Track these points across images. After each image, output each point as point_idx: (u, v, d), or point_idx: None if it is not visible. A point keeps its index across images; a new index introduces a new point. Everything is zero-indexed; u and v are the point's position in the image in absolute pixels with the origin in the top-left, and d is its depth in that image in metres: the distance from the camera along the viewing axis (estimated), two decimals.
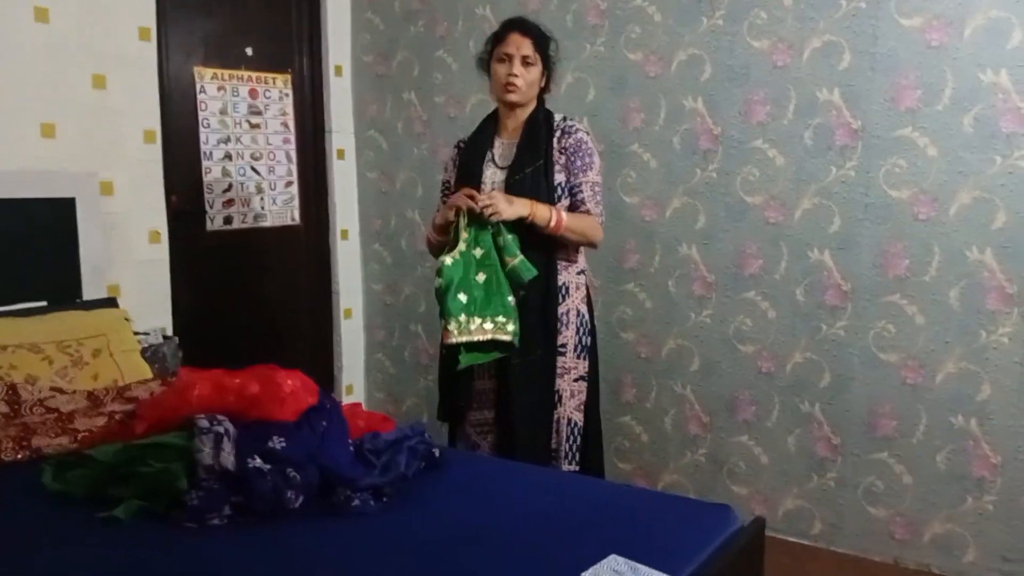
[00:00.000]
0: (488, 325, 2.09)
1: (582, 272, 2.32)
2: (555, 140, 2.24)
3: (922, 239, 2.52)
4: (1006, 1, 2.35)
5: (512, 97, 2.24)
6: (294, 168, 3.67)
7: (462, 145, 2.39)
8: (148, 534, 1.50)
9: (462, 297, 2.09)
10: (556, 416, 2.23)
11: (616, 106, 3.04)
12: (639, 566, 1.31)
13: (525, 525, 1.52)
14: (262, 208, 3.56)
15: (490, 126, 2.35)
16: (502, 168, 2.26)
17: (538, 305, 2.18)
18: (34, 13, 2.63)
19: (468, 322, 2.09)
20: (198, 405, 1.66)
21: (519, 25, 2.26)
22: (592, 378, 2.31)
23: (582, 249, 2.33)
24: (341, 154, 3.78)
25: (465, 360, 2.11)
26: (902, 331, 2.57)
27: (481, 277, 2.12)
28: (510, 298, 2.11)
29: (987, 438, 2.47)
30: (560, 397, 2.23)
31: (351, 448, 1.73)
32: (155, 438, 1.63)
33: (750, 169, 2.79)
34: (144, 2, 2.94)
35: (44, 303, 2.57)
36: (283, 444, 1.61)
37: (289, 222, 3.67)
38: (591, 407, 2.30)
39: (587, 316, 2.30)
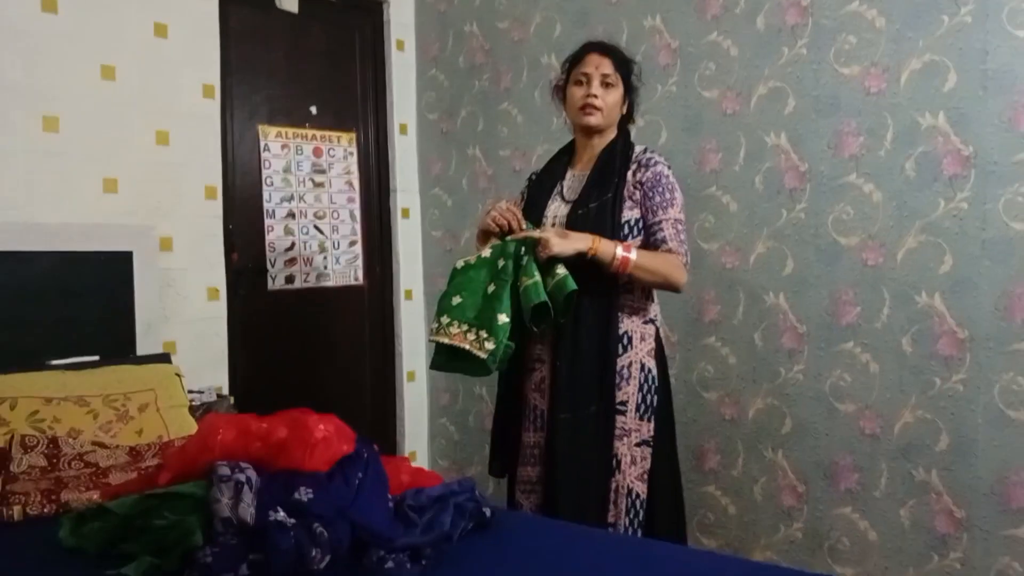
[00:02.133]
0: (469, 335, 1.89)
1: (651, 321, 2.05)
2: (630, 173, 2.02)
3: None
4: (939, 46, 2.17)
5: (590, 120, 2.04)
6: (358, 227, 3.60)
7: (533, 177, 2.22)
8: None
9: (456, 299, 1.94)
10: (614, 484, 1.94)
11: (691, 147, 2.85)
12: None
13: None
14: (325, 267, 3.48)
15: (564, 158, 2.17)
16: (567, 202, 2.07)
17: (594, 355, 1.93)
18: (101, 71, 2.66)
19: (449, 325, 1.91)
20: (221, 452, 1.48)
21: (598, 45, 2.09)
22: (662, 444, 2.01)
23: (655, 297, 2.09)
24: (406, 213, 3.70)
25: (434, 362, 1.97)
26: None
27: (491, 288, 1.93)
28: (502, 316, 1.88)
29: None
30: (619, 462, 1.95)
31: (390, 504, 1.52)
32: (173, 488, 1.46)
33: (843, 207, 2.53)
34: (209, 60, 2.96)
35: (96, 357, 2.50)
36: (310, 496, 1.41)
37: (352, 282, 3.58)
38: (662, 477, 1.99)
39: (654, 371, 2.02)
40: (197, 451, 1.53)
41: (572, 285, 1.88)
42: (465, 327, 1.92)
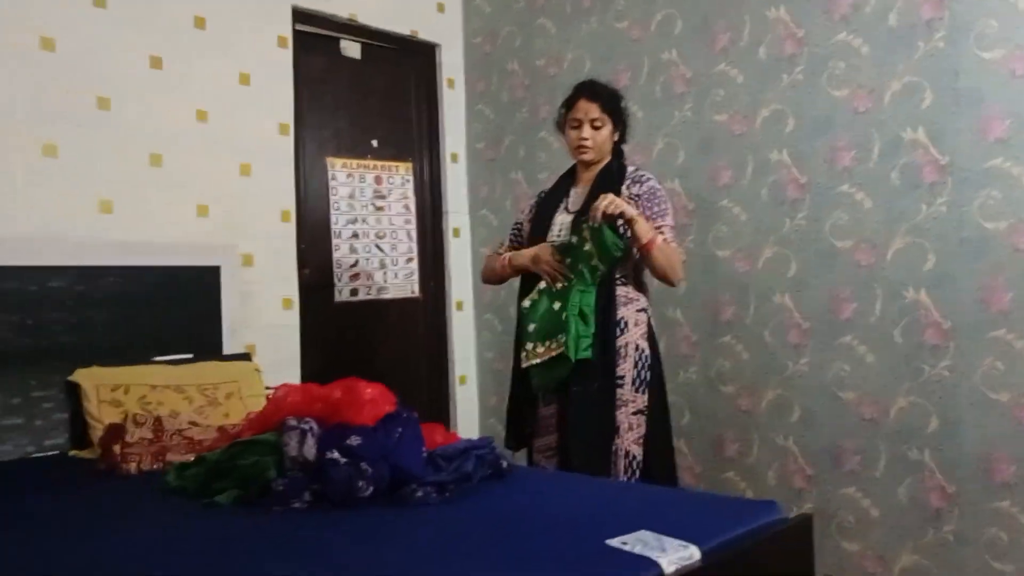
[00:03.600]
0: (552, 345, 2.22)
1: (643, 310, 2.40)
2: (624, 187, 2.38)
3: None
4: (917, 68, 2.46)
5: (584, 157, 2.44)
6: (414, 245, 4.01)
7: (542, 195, 2.60)
8: (241, 516, 1.71)
9: (531, 327, 2.27)
10: (615, 447, 2.27)
11: (705, 166, 3.16)
12: (664, 537, 1.36)
13: (569, 515, 1.60)
14: (385, 282, 3.90)
15: (568, 179, 2.55)
16: (571, 213, 2.43)
17: (598, 338, 2.26)
18: (196, 114, 3.15)
19: (533, 348, 2.24)
20: (290, 410, 1.88)
21: (586, 91, 2.45)
22: (654, 413, 2.33)
23: (648, 287, 2.44)
24: (456, 232, 4.10)
25: (535, 384, 2.26)
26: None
27: (556, 305, 2.27)
28: (565, 316, 2.23)
29: None
30: (618, 429, 2.28)
31: (423, 452, 1.88)
32: (253, 437, 1.86)
33: (839, 213, 2.80)
34: (284, 102, 3.43)
35: (191, 355, 2.95)
36: (359, 442, 1.79)
37: (409, 294, 3.99)
38: (654, 441, 2.31)
39: (647, 351, 2.36)
40: (271, 411, 1.93)
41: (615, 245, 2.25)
42: (545, 343, 2.29)
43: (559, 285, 2.31)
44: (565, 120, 2.48)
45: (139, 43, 3.00)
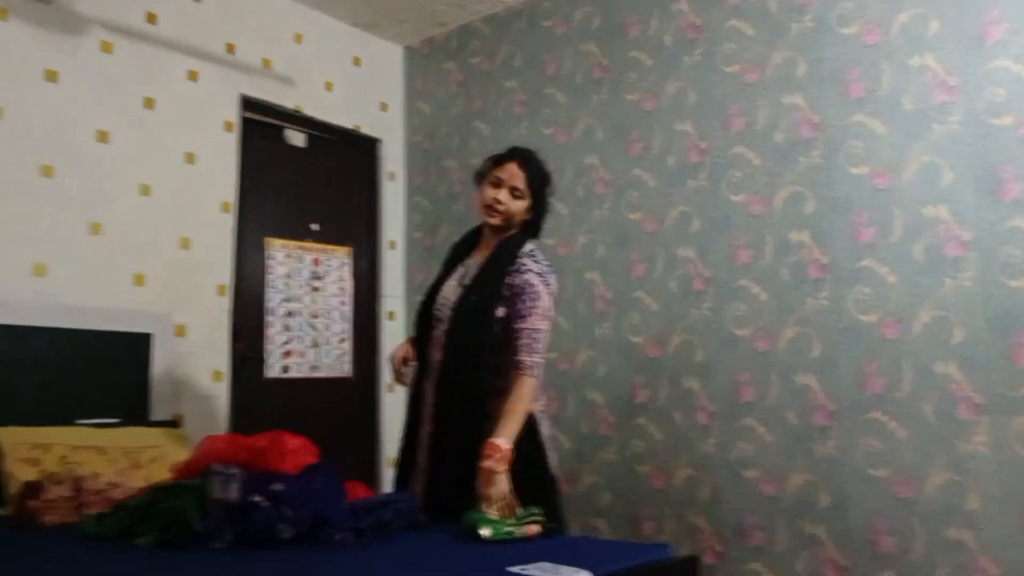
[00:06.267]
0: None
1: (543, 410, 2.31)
2: (509, 276, 2.21)
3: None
4: (936, 148, 2.72)
5: (491, 220, 2.27)
6: (349, 327, 4.14)
7: (452, 248, 2.48)
8: (162, 558, 1.76)
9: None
10: None
11: (621, 259, 3.43)
12: (561, 566, 1.50)
13: (479, 555, 1.72)
14: (317, 360, 3.99)
15: (469, 243, 2.42)
16: (461, 286, 2.30)
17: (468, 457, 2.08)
18: (140, 188, 3.29)
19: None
20: (216, 458, 1.96)
21: (521, 155, 2.30)
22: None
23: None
24: (392, 315, 4.25)
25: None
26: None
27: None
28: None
29: (982, 551, 2.47)
30: None
31: (344, 502, 1.97)
32: (176, 481, 1.94)
33: (737, 304, 3.08)
34: (227, 182, 3.60)
35: (117, 420, 2.98)
36: (282, 487, 1.88)
37: (341, 374, 4.08)
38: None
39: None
40: (197, 458, 2.02)
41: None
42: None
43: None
44: (486, 174, 2.33)
45: (88, 117, 3.16)
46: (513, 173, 2.27)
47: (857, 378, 2.77)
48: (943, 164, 2.70)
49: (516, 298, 2.18)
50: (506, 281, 2.20)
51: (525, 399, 2.11)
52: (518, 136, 3.87)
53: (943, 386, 2.61)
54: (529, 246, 2.28)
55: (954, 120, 2.69)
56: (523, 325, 2.16)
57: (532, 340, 2.16)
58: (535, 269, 2.22)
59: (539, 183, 2.32)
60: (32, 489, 2.36)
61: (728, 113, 3.19)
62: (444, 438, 2.21)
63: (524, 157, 2.31)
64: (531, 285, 2.19)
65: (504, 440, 2.02)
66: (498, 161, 2.32)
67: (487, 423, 2.10)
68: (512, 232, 2.30)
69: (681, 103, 3.33)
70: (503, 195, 2.26)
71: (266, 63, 3.82)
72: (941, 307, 2.65)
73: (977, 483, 2.52)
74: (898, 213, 2.76)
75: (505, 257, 2.23)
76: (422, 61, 4.37)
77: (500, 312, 2.19)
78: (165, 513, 1.86)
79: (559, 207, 3.61)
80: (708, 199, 3.21)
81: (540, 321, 2.18)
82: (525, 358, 2.14)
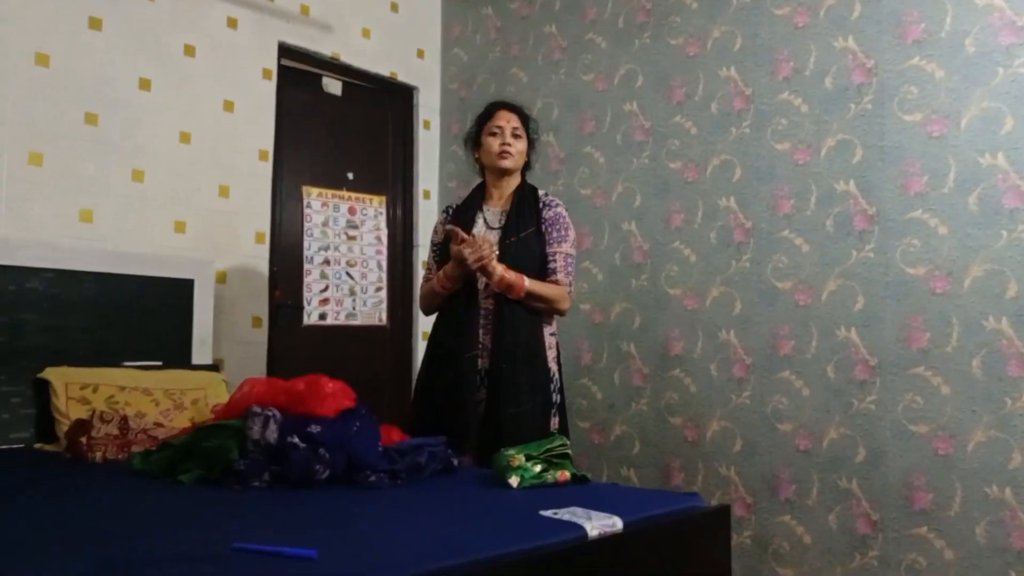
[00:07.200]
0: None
1: (554, 334, 2.52)
2: (539, 212, 2.47)
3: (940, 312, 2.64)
4: (996, 93, 2.60)
5: (507, 163, 2.47)
6: (384, 276, 4.16)
7: (450, 209, 2.64)
8: (203, 495, 1.81)
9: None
10: None
11: (660, 209, 3.38)
12: (593, 511, 1.50)
13: (512, 499, 1.73)
14: (353, 308, 4.03)
15: (478, 196, 2.57)
16: (493, 229, 2.47)
17: (526, 361, 2.35)
18: (179, 136, 3.32)
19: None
20: (255, 400, 2.00)
21: (506, 104, 2.59)
22: (564, 434, 2.35)
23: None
24: (424, 265, 4.25)
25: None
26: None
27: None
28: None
29: (1023, 507, 2.43)
30: None
31: (378, 444, 2.00)
32: (218, 421, 1.98)
33: (779, 256, 3.01)
34: (265, 131, 3.61)
35: (160, 363, 3.05)
36: (319, 430, 1.91)
37: (376, 323, 4.12)
38: None
39: (558, 375, 2.47)
40: (237, 400, 2.05)
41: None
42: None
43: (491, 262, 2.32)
44: (481, 131, 2.55)
45: (130, 65, 3.18)
46: (508, 118, 2.53)
47: (901, 333, 2.71)
48: (1005, 110, 2.58)
49: (551, 228, 2.48)
50: (542, 215, 2.48)
51: (556, 292, 2.43)
52: (557, 83, 3.80)
53: (993, 342, 2.54)
54: (543, 190, 2.59)
55: (1021, 63, 2.57)
56: (559, 250, 2.47)
57: (567, 264, 2.48)
58: (562, 204, 2.56)
59: (528, 121, 2.59)
60: (82, 426, 2.44)
61: (776, 58, 3.08)
62: (504, 376, 2.33)
63: (508, 104, 2.59)
64: (563, 217, 2.51)
65: (525, 280, 2.34)
66: (488, 115, 2.56)
67: (546, 354, 2.42)
68: (518, 183, 2.56)
69: (727, 48, 3.23)
70: (508, 138, 2.50)
71: (304, 10, 3.79)
72: (995, 260, 2.56)
73: (1023, 442, 2.47)
74: (952, 162, 2.66)
75: (531, 198, 2.51)
76: (460, 7, 4.29)
77: (538, 245, 2.45)
78: (207, 452, 1.91)
79: (596, 156, 3.57)
80: (751, 147, 3.12)
81: (572, 248, 2.51)
82: (563, 278, 2.46)
